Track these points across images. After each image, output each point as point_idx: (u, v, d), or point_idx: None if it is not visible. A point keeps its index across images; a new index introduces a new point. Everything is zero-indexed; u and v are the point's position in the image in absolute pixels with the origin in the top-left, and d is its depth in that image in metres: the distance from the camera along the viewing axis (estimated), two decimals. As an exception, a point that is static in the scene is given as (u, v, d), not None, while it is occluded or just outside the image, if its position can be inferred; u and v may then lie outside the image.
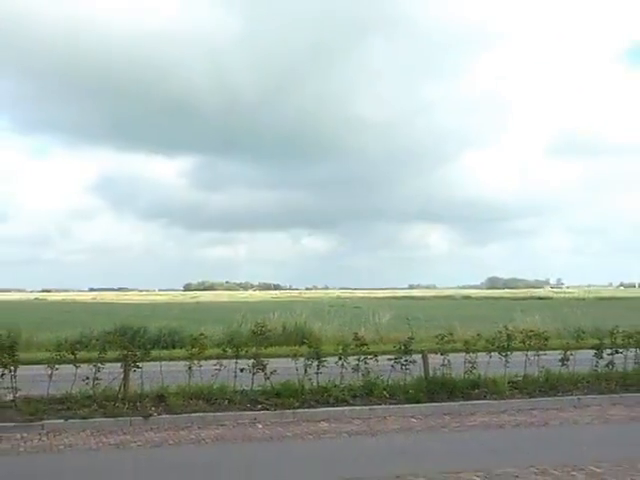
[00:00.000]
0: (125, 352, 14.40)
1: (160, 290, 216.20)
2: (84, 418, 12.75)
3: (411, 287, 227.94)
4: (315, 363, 14.70)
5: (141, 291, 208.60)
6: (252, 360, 14.55)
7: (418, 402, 14.45)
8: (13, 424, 12.38)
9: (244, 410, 13.61)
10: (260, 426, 12.85)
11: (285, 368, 14.69)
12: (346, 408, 13.97)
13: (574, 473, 9.38)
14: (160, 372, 14.19)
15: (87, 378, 13.61)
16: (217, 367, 14.28)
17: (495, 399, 14.83)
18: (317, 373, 14.66)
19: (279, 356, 15.56)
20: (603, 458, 10.07)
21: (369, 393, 14.67)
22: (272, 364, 14.56)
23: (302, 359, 14.82)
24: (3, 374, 13.40)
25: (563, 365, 16.12)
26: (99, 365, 13.80)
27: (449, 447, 11.28)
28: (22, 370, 13.70)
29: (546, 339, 17.04)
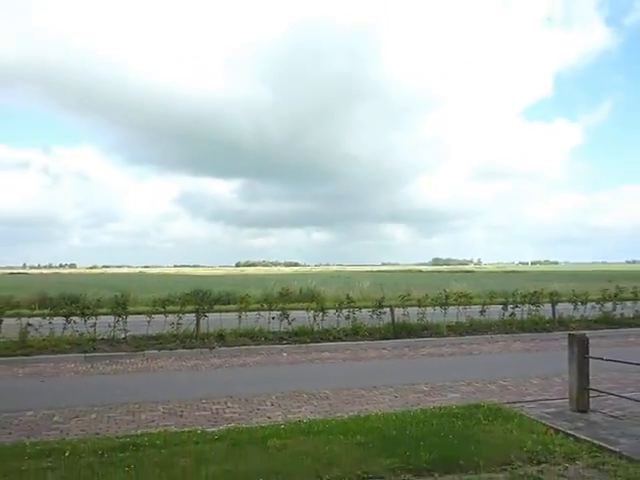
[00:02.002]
0: (197, 306, 14.56)
1: (219, 266, 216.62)
2: (171, 349, 12.91)
3: (383, 264, 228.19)
4: (320, 314, 14.81)
5: (207, 267, 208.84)
6: (280, 312, 14.68)
7: (388, 339, 14.53)
8: (124, 353, 12.55)
9: (274, 344, 13.70)
10: (285, 354, 12.97)
11: (301, 317, 14.76)
12: (341, 343, 14.02)
13: (489, 385, 9.48)
14: (220, 319, 14.34)
15: (173, 323, 13.78)
16: (257, 316, 14.40)
17: (438, 337, 14.85)
18: (322, 320, 14.77)
19: (297, 309, 15.60)
20: (507, 375, 10.18)
21: (356, 333, 14.75)
22: (293, 314, 14.61)
23: (312, 311, 14.93)
24: (118, 320, 13.59)
25: (481, 315, 16.19)
26: (180, 315, 13.99)
27: (408, 368, 11.38)
28: (130, 318, 13.85)
29: (470, 298, 17.16)
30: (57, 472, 4.95)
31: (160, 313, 14.14)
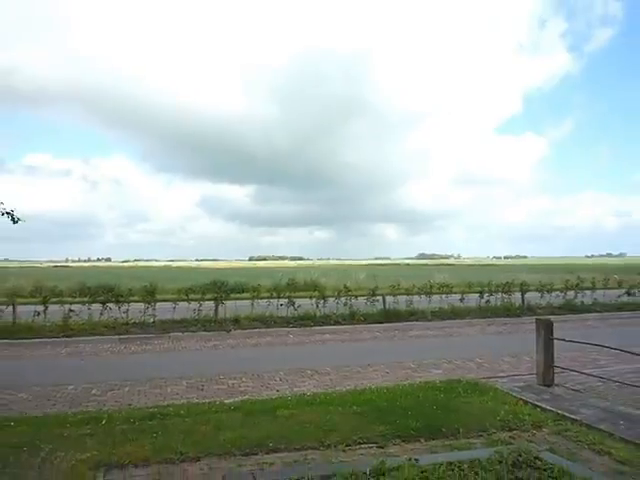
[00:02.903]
0: (216, 295, 14.57)
1: (235, 260, 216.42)
2: (193, 331, 12.90)
3: (376, 258, 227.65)
4: (322, 301, 14.84)
5: (224, 261, 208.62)
6: (287, 299, 14.69)
7: (380, 323, 14.47)
8: (153, 335, 12.56)
9: (283, 327, 13.69)
10: (291, 336, 12.96)
11: (305, 304, 14.75)
12: (340, 326, 13.98)
13: (467, 362, 9.45)
14: (235, 306, 14.31)
15: (195, 309, 13.77)
16: (267, 303, 14.42)
17: (423, 321, 14.83)
18: (323, 307, 14.79)
19: (302, 297, 15.60)
20: (483, 354, 10.13)
21: (352, 317, 14.70)
22: (298, 302, 14.61)
23: (315, 299, 14.95)
24: (147, 307, 13.59)
25: (461, 302, 16.14)
26: (201, 302, 13.96)
27: (398, 348, 11.36)
28: (158, 305, 13.81)
29: (451, 287, 17.16)
30: (95, 438, 4.95)
31: (184, 300, 14.15)
